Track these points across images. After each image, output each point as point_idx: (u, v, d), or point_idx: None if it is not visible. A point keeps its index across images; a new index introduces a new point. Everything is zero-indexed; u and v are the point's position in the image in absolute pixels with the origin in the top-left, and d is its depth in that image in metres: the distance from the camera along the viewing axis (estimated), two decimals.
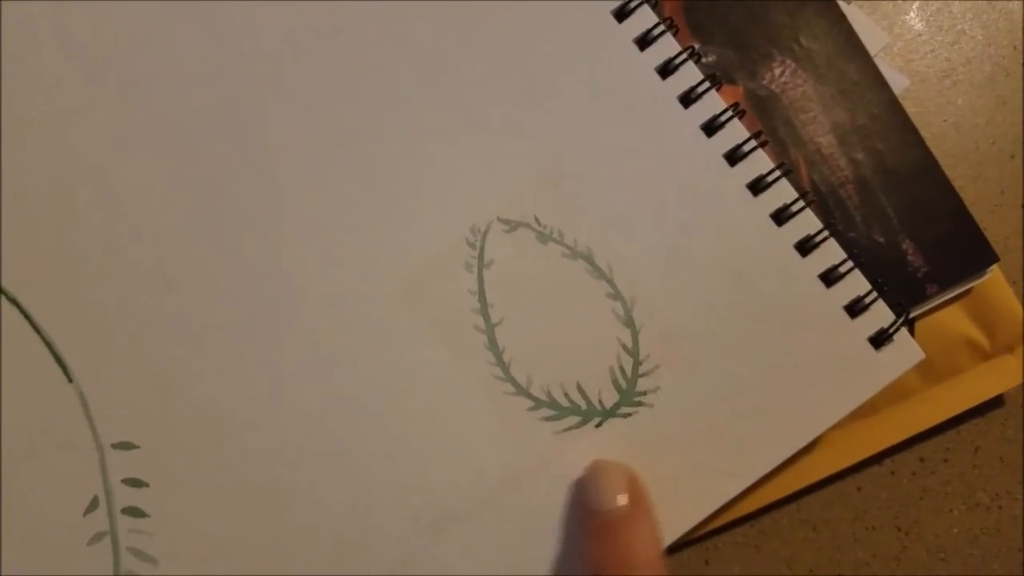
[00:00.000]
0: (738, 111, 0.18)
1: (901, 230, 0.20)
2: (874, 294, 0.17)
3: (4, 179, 0.17)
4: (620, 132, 0.19)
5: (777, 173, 0.18)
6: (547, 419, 0.17)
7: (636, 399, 0.17)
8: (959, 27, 0.25)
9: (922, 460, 0.20)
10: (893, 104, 0.22)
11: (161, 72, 0.18)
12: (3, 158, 0.17)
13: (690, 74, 0.18)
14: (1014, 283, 0.22)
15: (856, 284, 0.17)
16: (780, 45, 0.22)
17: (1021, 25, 0.25)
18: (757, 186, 0.18)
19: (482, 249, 0.18)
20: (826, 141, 0.21)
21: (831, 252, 0.18)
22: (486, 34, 0.18)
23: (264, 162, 0.18)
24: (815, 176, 0.20)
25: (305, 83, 0.18)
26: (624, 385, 0.17)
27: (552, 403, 0.17)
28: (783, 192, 0.18)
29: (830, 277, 0.17)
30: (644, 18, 0.19)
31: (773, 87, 0.22)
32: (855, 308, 0.17)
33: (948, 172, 0.22)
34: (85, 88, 0.17)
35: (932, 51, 0.25)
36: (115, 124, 0.17)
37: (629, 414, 0.17)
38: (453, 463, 0.17)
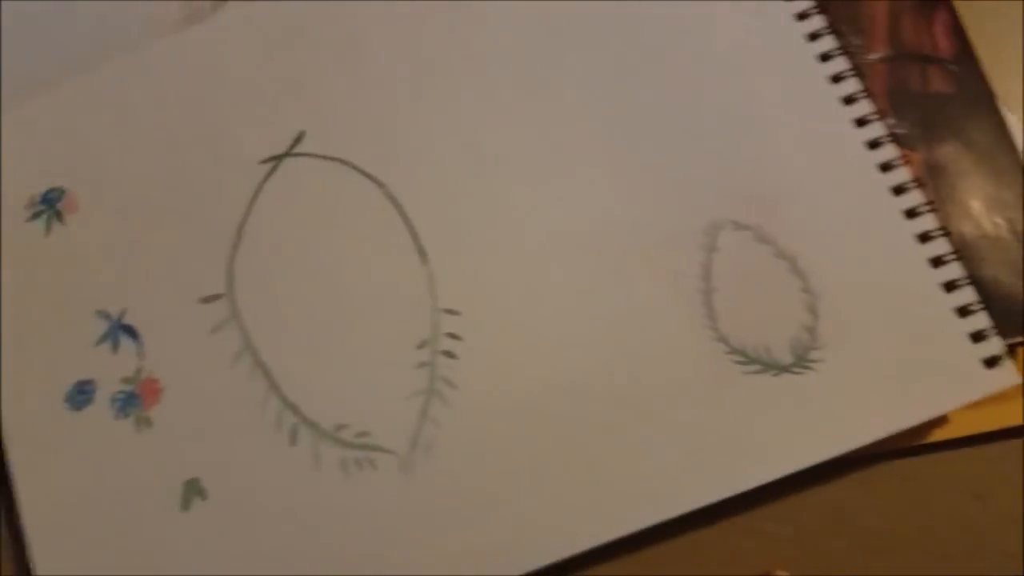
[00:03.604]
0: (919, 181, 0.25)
1: (1020, 278, 0.26)
2: (994, 329, 0.24)
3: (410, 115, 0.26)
4: (827, 170, 0.25)
5: (941, 231, 0.25)
6: (738, 363, 0.24)
7: (806, 364, 0.24)
8: None
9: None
10: None
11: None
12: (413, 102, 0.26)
13: (878, 129, 0.25)
14: None
15: (982, 320, 0.24)
16: (954, 131, 0.28)
17: None
18: (923, 238, 0.25)
19: (715, 238, 0.25)
20: (975, 205, 0.28)
21: (968, 294, 0.24)
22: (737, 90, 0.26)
23: (571, 142, 0.26)
24: (963, 228, 0.27)
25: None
26: (800, 352, 0.24)
27: (744, 353, 0.24)
28: (942, 245, 0.24)
29: (964, 312, 0.24)
30: (851, 84, 0.25)
31: (943, 160, 0.28)
32: (978, 336, 0.24)
33: None
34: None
35: None
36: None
37: (799, 372, 0.24)
38: (659, 379, 0.25)
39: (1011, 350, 0.24)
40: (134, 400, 0.26)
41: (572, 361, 0.25)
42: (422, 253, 0.26)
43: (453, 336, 0.25)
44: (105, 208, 0.28)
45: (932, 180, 0.28)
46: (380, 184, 0.26)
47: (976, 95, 0.28)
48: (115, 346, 0.27)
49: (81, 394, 0.27)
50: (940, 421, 0.25)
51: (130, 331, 0.27)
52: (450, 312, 0.26)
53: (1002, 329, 0.25)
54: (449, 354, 0.25)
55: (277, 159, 0.27)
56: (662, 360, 0.25)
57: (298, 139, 0.27)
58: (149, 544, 0.25)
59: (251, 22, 0.28)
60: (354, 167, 0.27)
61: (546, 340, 0.25)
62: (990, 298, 0.25)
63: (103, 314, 0.27)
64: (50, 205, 0.28)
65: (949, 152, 0.28)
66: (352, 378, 0.26)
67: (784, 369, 0.24)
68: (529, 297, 0.25)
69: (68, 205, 0.28)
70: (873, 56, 0.29)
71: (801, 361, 0.24)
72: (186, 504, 0.25)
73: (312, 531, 0.25)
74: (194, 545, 0.25)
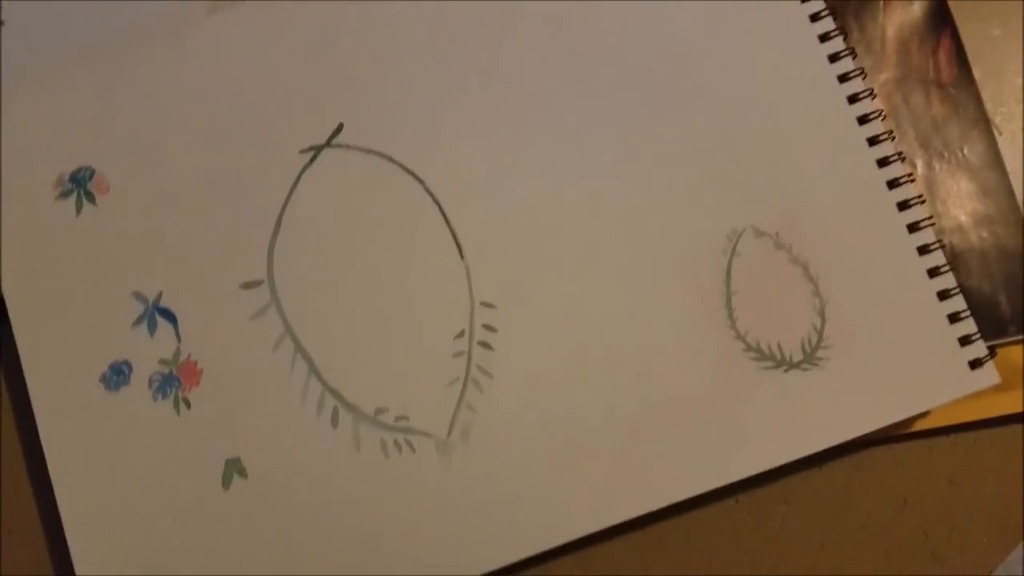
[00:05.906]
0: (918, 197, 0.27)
1: (1001, 288, 0.29)
2: (979, 335, 0.26)
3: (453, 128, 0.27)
4: (840, 183, 0.27)
5: (937, 244, 0.27)
6: (753, 359, 0.27)
7: (814, 361, 0.26)
8: None
9: None
10: (1015, 207, 0.30)
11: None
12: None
13: (888, 148, 0.27)
14: None
15: (969, 326, 0.27)
16: (952, 151, 0.30)
17: None
18: (922, 251, 0.27)
19: (736, 244, 0.27)
20: (965, 219, 0.30)
21: (959, 303, 0.27)
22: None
23: (604, 149, 0.27)
24: (952, 240, 0.29)
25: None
26: (808, 351, 0.26)
27: (759, 350, 0.27)
28: (938, 257, 0.27)
29: (954, 319, 0.27)
30: (866, 104, 0.28)
31: (939, 177, 0.30)
32: (965, 340, 0.26)
33: None
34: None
35: None
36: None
37: (807, 369, 0.26)
38: (681, 372, 0.27)
39: (990, 351, 0.27)
40: (173, 381, 0.27)
41: (600, 353, 0.27)
42: (460, 248, 0.27)
43: (489, 328, 0.27)
44: (138, 191, 0.28)
45: (927, 195, 0.30)
46: (419, 179, 0.27)
47: (972, 118, 0.31)
48: (152, 328, 0.27)
49: (117, 375, 0.27)
50: (922, 413, 0.28)
51: (167, 314, 0.27)
52: (486, 305, 0.27)
53: (983, 334, 0.27)
54: (485, 344, 0.27)
55: (316, 149, 0.28)
56: (685, 356, 0.26)
57: (337, 131, 0.28)
58: (188, 523, 0.26)
59: (293, 15, 0.28)
60: (394, 161, 0.27)
61: (576, 333, 0.27)
62: (973, 305, 0.28)
63: (139, 296, 0.27)
64: (79, 184, 0.28)
65: (944, 169, 0.31)
66: (391, 365, 0.27)
67: (794, 365, 0.27)
68: (561, 292, 0.27)
69: (98, 186, 0.28)
70: (882, 77, 0.31)
71: (809, 359, 0.27)
72: (227, 483, 0.26)
73: (351, 509, 0.26)
74: (234, 523, 0.26)
